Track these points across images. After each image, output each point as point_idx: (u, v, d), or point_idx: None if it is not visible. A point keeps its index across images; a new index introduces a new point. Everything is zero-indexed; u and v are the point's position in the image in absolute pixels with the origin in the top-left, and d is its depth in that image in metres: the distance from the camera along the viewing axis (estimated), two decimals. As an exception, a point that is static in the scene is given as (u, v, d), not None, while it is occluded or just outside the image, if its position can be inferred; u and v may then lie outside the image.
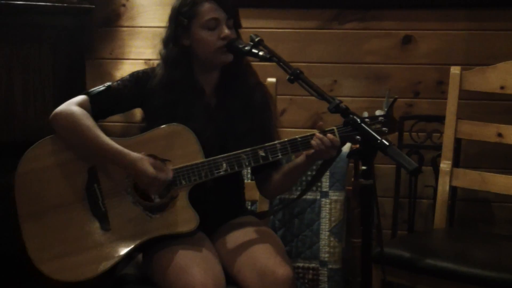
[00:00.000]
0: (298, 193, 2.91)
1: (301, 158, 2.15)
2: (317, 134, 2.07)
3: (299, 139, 2.10)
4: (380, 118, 2.08)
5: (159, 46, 2.26)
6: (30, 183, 2.14)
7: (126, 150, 2.08)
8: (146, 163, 2.06)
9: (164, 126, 2.15)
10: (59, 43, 2.91)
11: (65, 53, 2.93)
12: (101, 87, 2.21)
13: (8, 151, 2.67)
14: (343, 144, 2.09)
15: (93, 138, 2.09)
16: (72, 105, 2.14)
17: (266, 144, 2.12)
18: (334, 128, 2.08)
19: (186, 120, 2.16)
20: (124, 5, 3.28)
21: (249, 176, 2.78)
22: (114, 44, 3.30)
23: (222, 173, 2.12)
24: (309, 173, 2.86)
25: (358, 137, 1.84)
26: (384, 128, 2.07)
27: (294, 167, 2.18)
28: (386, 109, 2.08)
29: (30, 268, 2.10)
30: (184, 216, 2.12)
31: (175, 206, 2.13)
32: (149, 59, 3.23)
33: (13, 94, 2.82)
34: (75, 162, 2.15)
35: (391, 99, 2.08)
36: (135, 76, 2.24)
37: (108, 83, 2.22)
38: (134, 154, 2.08)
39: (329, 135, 2.05)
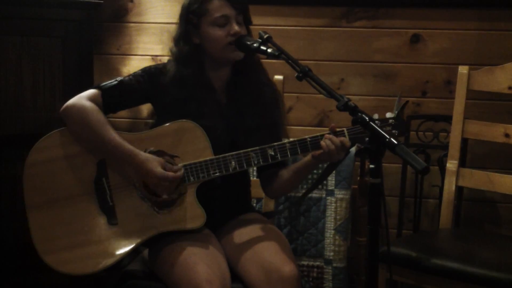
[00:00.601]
0: (304, 191, 2.91)
1: (307, 158, 2.14)
2: (328, 135, 2.06)
3: (309, 139, 2.10)
4: (391, 120, 2.08)
5: (168, 43, 2.26)
6: (39, 173, 2.14)
7: (136, 150, 2.09)
8: (154, 163, 2.06)
9: (174, 122, 2.15)
10: (69, 36, 2.92)
11: (74, 46, 2.94)
12: (113, 82, 2.21)
13: (17, 143, 2.69)
14: (352, 145, 2.09)
15: (104, 136, 2.10)
16: (84, 99, 2.14)
17: (276, 143, 2.12)
18: (344, 129, 2.08)
19: (196, 117, 2.16)
20: (132, 1, 3.28)
21: (255, 173, 2.78)
22: (122, 39, 3.30)
23: (230, 171, 2.12)
24: (314, 171, 2.86)
25: (367, 139, 1.83)
26: (394, 131, 2.08)
27: (300, 167, 2.18)
28: (396, 112, 2.08)
29: (36, 261, 2.10)
30: (191, 213, 2.12)
31: (183, 202, 2.13)
32: (157, 55, 3.24)
33: (23, 86, 2.84)
34: (84, 154, 2.15)
35: (402, 102, 2.09)
36: (148, 72, 2.24)
37: (120, 78, 2.22)
38: (144, 154, 2.08)
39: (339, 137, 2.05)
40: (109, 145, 2.09)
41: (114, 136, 2.10)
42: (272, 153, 2.11)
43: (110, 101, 2.18)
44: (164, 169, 2.07)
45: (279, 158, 2.12)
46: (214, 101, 2.23)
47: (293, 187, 2.33)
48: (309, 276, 2.93)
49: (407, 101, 2.09)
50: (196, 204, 2.12)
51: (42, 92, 2.88)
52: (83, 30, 2.97)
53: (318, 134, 2.10)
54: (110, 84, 2.20)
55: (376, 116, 2.08)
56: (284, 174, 2.24)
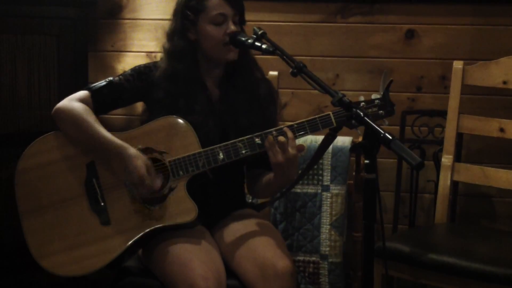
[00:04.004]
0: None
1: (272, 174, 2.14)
2: (285, 129, 2.05)
3: (295, 126, 2.09)
4: (377, 101, 2.07)
5: (163, 39, 2.26)
6: (30, 179, 2.14)
7: (125, 145, 2.09)
8: (140, 162, 2.06)
9: (161, 118, 2.15)
10: (63, 34, 2.92)
11: (69, 44, 2.94)
12: (102, 82, 2.21)
13: (12, 142, 2.68)
14: (339, 128, 2.08)
15: (94, 134, 2.10)
16: (74, 100, 2.15)
17: (262, 132, 2.11)
18: (330, 113, 2.08)
19: (187, 113, 2.16)
20: (126, -3, 3.28)
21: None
22: (116, 36, 3.29)
23: (219, 163, 2.11)
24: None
25: (354, 121, 1.83)
26: (380, 111, 2.07)
27: (270, 178, 2.17)
28: (382, 92, 2.07)
29: (34, 259, 2.11)
30: (183, 207, 2.12)
31: (174, 197, 2.12)
32: (151, 52, 3.23)
33: (18, 84, 2.83)
34: (74, 157, 2.15)
35: (388, 81, 2.07)
36: (137, 71, 2.24)
37: (110, 78, 2.22)
38: (133, 150, 2.08)
39: (280, 137, 2.03)
40: (99, 142, 2.10)
41: (104, 133, 2.10)
42: (259, 142, 2.10)
43: (100, 101, 2.18)
44: (148, 172, 2.06)
45: None
46: (205, 98, 2.22)
47: (268, 194, 2.32)
48: (305, 271, 2.93)
49: (392, 80, 2.07)
50: (187, 198, 2.12)
51: (37, 90, 2.88)
52: (77, 28, 2.97)
53: (304, 119, 2.09)
54: (99, 85, 2.20)
55: (362, 98, 2.07)
56: (265, 178, 2.23)
